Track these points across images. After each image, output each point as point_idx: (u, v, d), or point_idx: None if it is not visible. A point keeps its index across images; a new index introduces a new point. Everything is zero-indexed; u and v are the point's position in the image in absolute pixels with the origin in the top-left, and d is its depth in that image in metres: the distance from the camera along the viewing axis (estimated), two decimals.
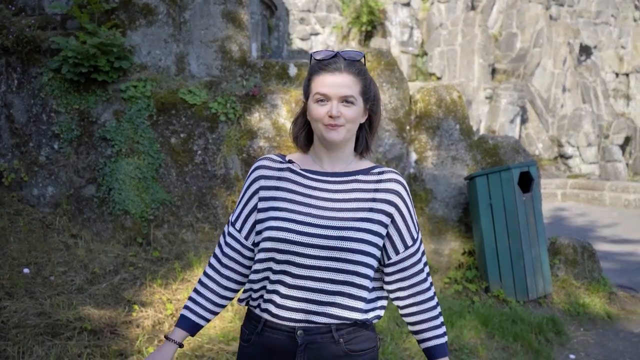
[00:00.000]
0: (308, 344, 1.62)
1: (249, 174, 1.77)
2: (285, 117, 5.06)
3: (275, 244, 1.61)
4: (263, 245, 1.64)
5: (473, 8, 18.55)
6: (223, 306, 1.79)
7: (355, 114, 1.66)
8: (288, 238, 1.60)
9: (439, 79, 16.68)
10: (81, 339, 3.54)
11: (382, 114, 5.37)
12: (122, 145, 4.94)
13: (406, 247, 1.70)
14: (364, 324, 1.68)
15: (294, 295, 1.62)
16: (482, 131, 15.30)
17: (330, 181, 1.69)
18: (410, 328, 1.79)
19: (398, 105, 5.43)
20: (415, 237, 1.72)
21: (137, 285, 4.30)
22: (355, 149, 1.76)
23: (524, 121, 16.38)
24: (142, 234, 4.94)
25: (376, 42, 17.22)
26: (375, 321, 1.71)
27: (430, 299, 1.75)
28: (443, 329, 1.76)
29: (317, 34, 18.58)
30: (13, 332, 3.49)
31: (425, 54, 17.71)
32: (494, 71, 16.86)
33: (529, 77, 16.88)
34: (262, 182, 1.72)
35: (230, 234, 1.76)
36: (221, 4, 5.39)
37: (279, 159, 1.75)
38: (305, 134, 1.75)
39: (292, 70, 5.41)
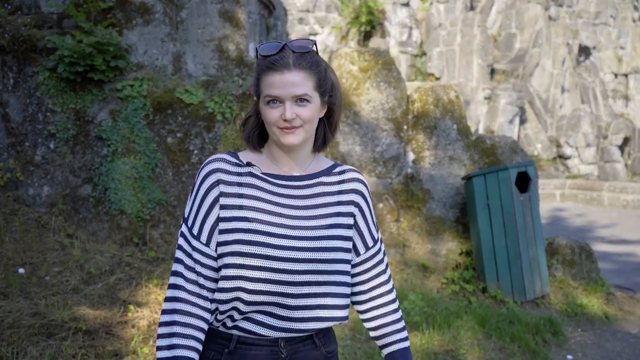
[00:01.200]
0: (293, 354, 1.54)
1: (202, 178, 1.54)
2: None
3: (248, 259, 1.46)
4: (231, 260, 1.47)
5: (472, 8, 18.54)
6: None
7: (311, 112, 1.51)
8: (262, 253, 1.46)
9: (437, 79, 16.67)
10: (76, 340, 3.52)
11: (380, 114, 5.37)
12: (118, 144, 4.92)
13: (367, 249, 1.63)
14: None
15: (275, 312, 1.49)
16: (481, 131, 15.29)
17: (295, 186, 1.56)
18: (372, 334, 1.71)
19: (395, 105, 5.41)
20: (376, 237, 1.65)
21: (133, 286, 4.29)
22: (314, 144, 1.63)
23: (522, 121, 16.38)
24: (138, 233, 4.93)
25: (375, 42, 17.21)
26: None
27: (392, 301, 1.68)
28: (405, 333, 1.68)
29: (316, 34, 18.57)
30: (7, 333, 3.47)
31: (424, 54, 17.70)
32: (492, 71, 16.85)
33: (527, 77, 16.88)
34: (222, 188, 1.51)
35: (197, 250, 1.51)
36: (218, 3, 5.38)
37: (234, 160, 1.57)
38: (258, 132, 1.60)
39: None
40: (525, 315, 4.67)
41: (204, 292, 1.51)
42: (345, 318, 1.59)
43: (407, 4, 18.00)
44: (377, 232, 1.67)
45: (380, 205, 5.35)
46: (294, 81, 1.47)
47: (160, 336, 1.50)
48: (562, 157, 16.27)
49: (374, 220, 1.67)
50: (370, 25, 17.61)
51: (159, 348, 1.49)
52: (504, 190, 4.92)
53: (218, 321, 1.52)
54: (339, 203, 1.58)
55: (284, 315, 1.50)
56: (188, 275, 1.51)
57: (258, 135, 1.61)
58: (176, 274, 1.52)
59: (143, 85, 4.99)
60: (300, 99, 1.48)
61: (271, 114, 1.49)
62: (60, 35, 4.98)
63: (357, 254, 1.63)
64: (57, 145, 4.99)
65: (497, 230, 4.96)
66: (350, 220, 1.58)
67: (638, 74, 19.81)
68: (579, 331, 4.76)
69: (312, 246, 1.49)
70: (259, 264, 1.46)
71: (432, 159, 5.43)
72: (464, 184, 5.31)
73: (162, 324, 1.50)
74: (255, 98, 1.58)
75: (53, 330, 3.57)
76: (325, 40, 18.49)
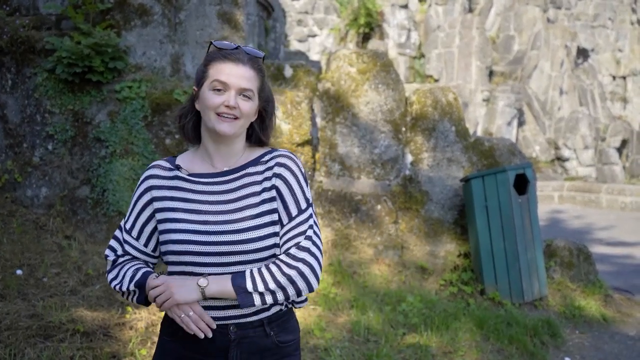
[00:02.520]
0: (241, 339, 1.62)
1: (138, 185, 1.72)
2: (280, 117, 5.04)
3: (179, 257, 1.60)
4: (170, 258, 1.63)
5: (471, 10, 18.56)
6: None
7: (250, 109, 1.64)
8: (189, 250, 1.59)
9: (436, 81, 16.68)
10: (74, 341, 3.51)
11: (378, 116, 5.37)
12: (116, 146, 4.91)
13: (282, 226, 1.64)
14: (290, 313, 1.72)
15: (215, 304, 1.62)
16: (479, 133, 15.30)
17: (221, 181, 1.66)
18: None
19: (394, 107, 5.42)
20: (295, 214, 1.64)
21: None
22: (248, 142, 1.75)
23: (521, 123, 16.39)
24: None
25: (374, 44, 17.22)
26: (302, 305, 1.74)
27: (287, 260, 1.59)
28: (260, 273, 1.58)
29: (314, 35, 18.58)
30: (5, 334, 3.46)
31: (422, 56, 17.71)
32: (491, 73, 16.86)
33: (526, 79, 16.89)
34: (155, 193, 1.68)
35: (127, 242, 1.72)
36: (217, 5, 5.38)
37: (168, 165, 1.72)
38: (192, 124, 1.72)
39: (288, 72, 5.39)
40: (524, 317, 4.67)
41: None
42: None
43: (405, 6, 18.01)
44: (300, 208, 1.66)
45: (379, 206, 5.35)
46: (244, 75, 1.62)
47: (112, 279, 1.70)
48: (560, 159, 16.29)
49: (299, 197, 1.66)
50: (368, 27, 17.62)
51: (115, 286, 1.69)
52: (502, 192, 4.92)
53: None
54: (264, 190, 1.66)
55: (225, 304, 1.61)
56: (121, 258, 1.73)
57: (192, 128, 1.72)
58: (108, 257, 1.74)
59: (141, 86, 4.99)
60: (244, 94, 1.62)
61: (214, 99, 1.60)
62: (58, 37, 4.97)
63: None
64: (55, 146, 4.98)
65: (495, 232, 4.96)
66: (274, 205, 1.65)
67: (636, 76, 19.83)
68: (577, 333, 4.76)
69: (238, 239, 1.58)
70: (191, 260, 1.59)
71: (431, 160, 5.43)
72: (462, 186, 5.31)
73: (109, 275, 1.72)
74: (195, 88, 1.68)
75: (51, 332, 3.56)
76: (323, 42, 18.50)
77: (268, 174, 1.67)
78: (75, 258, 4.52)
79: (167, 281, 1.58)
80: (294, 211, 1.65)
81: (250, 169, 1.68)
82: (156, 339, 3.71)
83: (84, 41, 4.73)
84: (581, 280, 5.49)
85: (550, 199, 14.03)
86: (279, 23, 10.63)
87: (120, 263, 1.72)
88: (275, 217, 1.63)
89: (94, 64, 4.78)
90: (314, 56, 17.53)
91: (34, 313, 3.72)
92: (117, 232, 1.74)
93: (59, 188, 4.98)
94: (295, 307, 1.75)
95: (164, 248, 1.64)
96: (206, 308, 1.61)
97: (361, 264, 5.13)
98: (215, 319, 1.61)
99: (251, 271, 1.59)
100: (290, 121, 5.03)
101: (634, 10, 20.48)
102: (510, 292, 5.00)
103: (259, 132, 1.73)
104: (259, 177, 1.67)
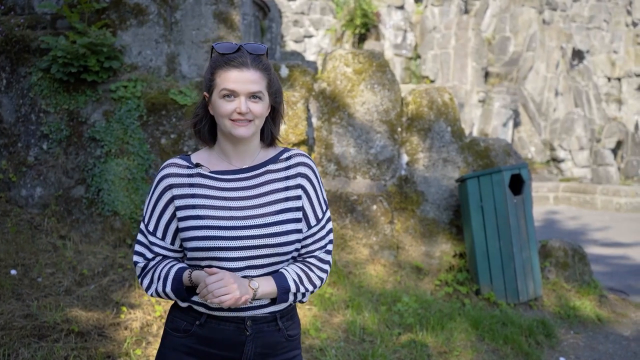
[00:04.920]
0: (257, 333, 1.67)
1: (155, 184, 1.72)
2: None
3: (204, 253, 1.62)
4: (192, 254, 1.66)
5: (467, 12, 18.60)
6: None
7: (262, 109, 1.67)
8: (216, 245, 1.61)
9: (432, 82, 16.70)
10: (68, 341, 3.50)
11: (374, 116, 5.38)
12: (111, 145, 4.90)
13: (309, 227, 1.73)
14: (295, 308, 1.79)
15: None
16: (475, 134, 15.33)
17: (243, 178, 1.70)
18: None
19: (389, 107, 5.42)
20: (321, 217, 1.75)
21: (126, 287, 4.27)
22: (262, 141, 1.77)
23: (516, 125, 16.43)
24: (132, 235, 4.90)
25: (370, 45, 17.22)
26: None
27: (316, 267, 1.74)
28: (295, 272, 1.69)
29: (310, 36, 18.59)
30: None
31: (418, 57, 17.73)
32: (487, 75, 16.89)
33: (521, 80, 16.93)
34: (175, 191, 1.68)
35: (155, 244, 1.72)
36: (213, 5, 5.37)
37: (185, 163, 1.73)
38: (208, 127, 1.75)
39: (284, 72, 5.39)
40: (519, 317, 4.68)
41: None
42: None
43: (401, 7, 18.03)
44: (323, 210, 1.76)
45: (374, 207, 5.35)
46: (251, 79, 1.63)
47: (148, 286, 1.71)
48: (555, 160, 16.33)
49: (321, 199, 1.77)
50: (364, 28, 17.62)
51: (151, 293, 1.69)
52: (497, 193, 4.93)
53: (190, 300, 1.69)
54: (287, 188, 1.70)
55: None
56: (151, 262, 1.72)
57: (208, 130, 1.75)
58: (137, 263, 1.73)
59: (137, 86, 4.98)
60: (254, 96, 1.64)
61: (225, 107, 1.63)
62: (53, 36, 4.96)
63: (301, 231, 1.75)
64: (50, 146, 4.97)
65: (490, 232, 4.97)
66: (299, 203, 1.71)
67: (631, 77, 19.91)
68: (571, 333, 4.78)
69: (263, 233, 1.63)
70: (216, 255, 1.61)
71: (426, 161, 5.44)
72: (457, 186, 5.32)
73: (143, 282, 1.72)
74: (205, 94, 1.71)
75: (45, 332, 3.55)
76: (320, 43, 18.51)
77: (291, 172, 1.72)
78: (70, 258, 4.50)
79: (225, 277, 1.56)
80: (320, 214, 1.75)
81: (271, 166, 1.73)
82: (151, 339, 3.70)
83: (79, 40, 4.72)
84: (576, 280, 5.50)
85: (546, 199, 14.07)
86: (275, 23, 10.63)
87: (152, 267, 1.71)
88: (299, 214, 1.69)
89: (89, 64, 4.77)
90: (310, 57, 17.53)
91: (29, 313, 3.70)
92: (140, 237, 1.74)
93: (53, 188, 4.96)
94: (302, 302, 1.80)
95: (187, 245, 1.65)
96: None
97: (357, 264, 5.13)
98: (232, 310, 1.65)
99: (289, 273, 1.68)
100: (286, 121, 5.03)
101: (629, 12, 20.56)
102: (505, 292, 5.00)
103: (271, 124, 1.76)
104: (281, 174, 1.72)
